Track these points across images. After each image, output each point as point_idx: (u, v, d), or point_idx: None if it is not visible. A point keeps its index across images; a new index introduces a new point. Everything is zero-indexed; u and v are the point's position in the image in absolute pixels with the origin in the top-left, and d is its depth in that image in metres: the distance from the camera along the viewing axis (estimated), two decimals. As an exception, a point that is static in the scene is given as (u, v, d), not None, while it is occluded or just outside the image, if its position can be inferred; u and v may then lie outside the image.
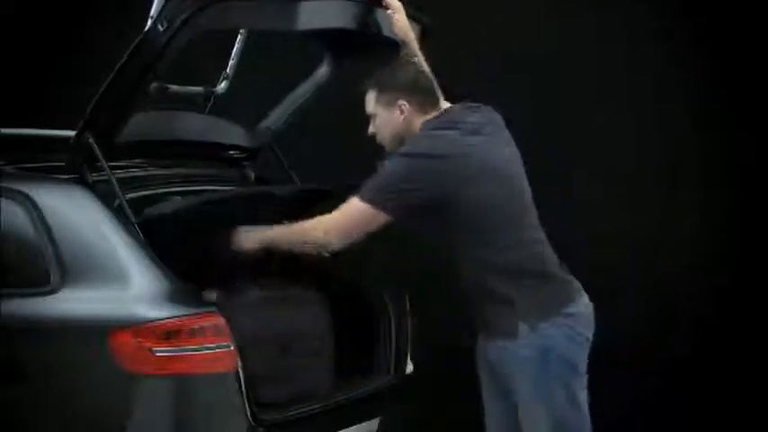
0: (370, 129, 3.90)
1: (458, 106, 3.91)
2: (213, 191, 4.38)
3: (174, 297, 3.68)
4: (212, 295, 3.89)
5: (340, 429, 4.12)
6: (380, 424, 4.28)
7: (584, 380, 3.82)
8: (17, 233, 3.88)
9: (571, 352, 3.76)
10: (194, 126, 4.50)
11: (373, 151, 3.93)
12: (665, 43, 5.68)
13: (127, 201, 3.83)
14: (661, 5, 5.67)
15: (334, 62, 4.57)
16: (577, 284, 3.86)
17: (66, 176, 3.95)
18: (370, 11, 4.04)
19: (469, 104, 3.93)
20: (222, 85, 4.67)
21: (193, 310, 3.66)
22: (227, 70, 4.67)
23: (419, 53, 4.08)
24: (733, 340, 5.60)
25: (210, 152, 4.69)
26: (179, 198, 4.21)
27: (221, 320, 3.68)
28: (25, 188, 3.91)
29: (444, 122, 3.81)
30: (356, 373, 4.35)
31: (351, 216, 3.75)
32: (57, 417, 3.76)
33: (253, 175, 4.76)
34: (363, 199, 3.72)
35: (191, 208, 3.98)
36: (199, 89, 4.63)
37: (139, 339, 3.60)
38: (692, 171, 5.73)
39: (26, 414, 3.78)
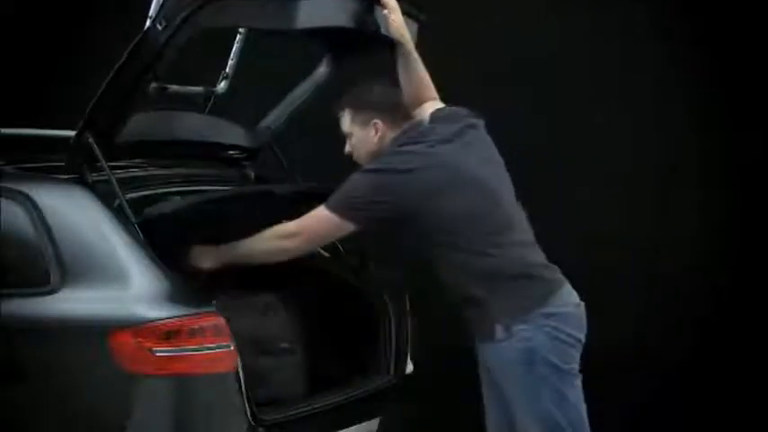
0: (347, 148, 4.00)
1: (432, 113, 3.97)
2: (213, 191, 4.38)
3: (174, 297, 3.68)
4: None
5: (340, 429, 4.12)
6: (380, 424, 4.28)
7: (577, 380, 3.80)
8: (17, 233, 3.87)
9: (557, 353, 3.74)
10: (194, 126, 4.50)
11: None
12: (665, 43, 5.69)
13: (127, 201, 3.83)
14: (661, 5, 5.67)
15: (334, 61, 4.57)
16: (565, 285, 3.85)
17: (66, 176, 3.94)
18: (370, 9, 4.04)
19: (446, 110, 3.99)
20: (222, 85, 4.67)
21: (193, 310, 3.66)
22: (227, 70, 4.67)
23: (415, 53, 4.08)
24: (733, 341, 5.60)
25: (210, 152, 4.69)
26: (178, 198, 4.21)
27: (221, 320, 3.67)
28: (25, 188, 3.90)
29: (411, 137, 3.88)
30: (356, 373, 4.35)
31: (318, 224, 3.85)
32: (57, 417, 3.75)
33: (253, 175, 4.76)
34: (330, 208, 3.80)
35: (190, 207, 3.97)
36: (198, 89, 4.63)
37: (139, 339, 3.60)
38: (692, 171, 5.73)
39: (26, 414, 3.78)
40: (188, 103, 4.59)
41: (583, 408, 3.82)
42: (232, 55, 4.65)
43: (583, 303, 3.86)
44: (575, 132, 5.77)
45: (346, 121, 3.99)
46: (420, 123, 3.96)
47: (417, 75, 4.07)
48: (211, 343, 3.64)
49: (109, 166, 3.84)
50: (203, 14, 3.71)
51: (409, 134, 3.90)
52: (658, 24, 5.68)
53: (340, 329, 4.49)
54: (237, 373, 3.69)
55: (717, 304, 5.62)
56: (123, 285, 3.69)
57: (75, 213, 3.84)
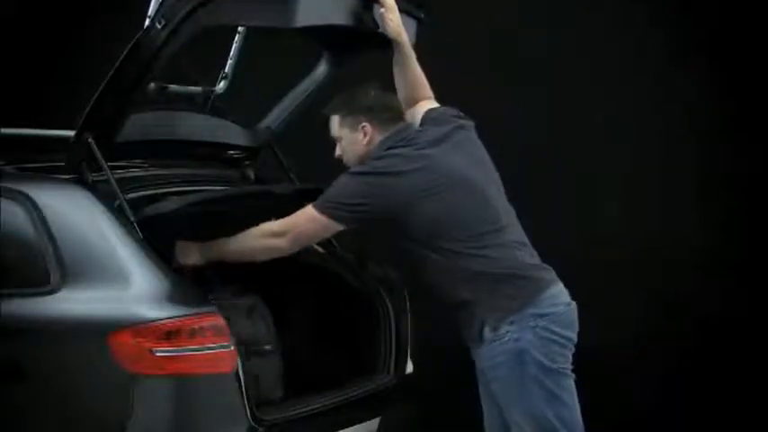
0: (337, 152, 4.03)
1: (423, 114, 3.98)
2: (213, 190, 4.38)
3: (174, 297, 3.68)
4: None
5: (340, 429, 4.12)
6: (380, 424, 4.28)
7: (569, 379, 3.79)
8: (17, 233, 3.87)
9: (547, 352, 3.74)
10: (194, 126, 4.50)
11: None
12: (665, 43, 5.69)
13: (127, 201, 3.83)
14: (661, 5, 5.67)
15: (333, 60, 4.57)
16: (555, 284, 3.84)
17: (66, 176, 3.94)
18: (368, 7, 4.04)
19: (437, 111, 3.99)
20: (221, 85, 4.66)
21: (193, 310, 3.66)
22: (226, 69, 4.67)
23: (412, 52, 4.08)
24: (733, 341, 5.60)
25: (210, 152, 4.69)
26: (177, 197, 4.20)
27: (221, 320, 3.68)
28: (25, 188, 3.90)
29: (400, 140, 3.89)
30: (356, 374, 4.34)
31: (305, 223, 3.86)
32: (57, 417, 3.75)
33: (253, 175, 4.75)
34: (317, 208, 3.83)
35: (189, 207, 3.97)
36: (198, 89, 4.62)
37: (139, 339, 3.60)
38: (692, 171, 5.73)
39: (26, 414, 3.78)
40: (188, 102, 4.59)
41: (576, 407, 3.81)
42: (231, 55, 4.65)
43: (574, 303, 3.85)
44: (575, 132, 5.77)
45: (335, 125, 4.02)
46: (409, 126, 3.98)
47: (413, 74, 4.07)
48: (211, 343, 3.64)
49: (109, 166, 3.84)
50: (202, 13, 3.72)
51: (398, 137, 3.92)
52: (658, 24, 5.68)
53: (340, 329, 4.49)
54: (237, 373, 3.69)
55: (717, 304, 5.62)
56: (123, 285, 3.69)
57: (75, 213, 3.84)
